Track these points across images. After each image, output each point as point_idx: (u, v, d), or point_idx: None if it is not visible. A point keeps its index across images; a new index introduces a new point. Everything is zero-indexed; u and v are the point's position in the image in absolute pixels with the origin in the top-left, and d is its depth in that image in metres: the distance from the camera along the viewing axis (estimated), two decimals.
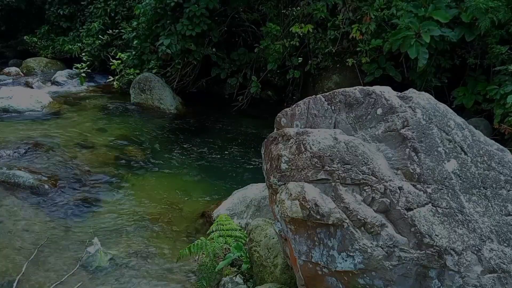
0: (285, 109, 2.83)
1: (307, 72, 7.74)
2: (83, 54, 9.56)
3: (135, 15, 8.85)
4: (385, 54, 6.53)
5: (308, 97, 2.78)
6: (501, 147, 2.63)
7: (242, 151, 6.30)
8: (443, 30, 5.70)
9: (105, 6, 10.08)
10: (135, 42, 8.62)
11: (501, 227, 2.30)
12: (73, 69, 9.25)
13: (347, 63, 6.94)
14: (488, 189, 2.40)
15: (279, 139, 2.60)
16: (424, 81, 6.29)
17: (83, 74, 9.01)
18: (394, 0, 6.19)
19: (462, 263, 2.14)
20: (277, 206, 2.46)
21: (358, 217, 2.23)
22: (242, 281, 3.29)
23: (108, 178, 5.19)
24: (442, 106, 2.60)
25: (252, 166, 5.77)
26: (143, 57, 8.58)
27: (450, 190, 2.30)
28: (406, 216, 2.20)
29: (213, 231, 3.54)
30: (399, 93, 2.61)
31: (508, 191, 2.44)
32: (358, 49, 6.68)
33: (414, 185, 2.29)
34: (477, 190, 2.37)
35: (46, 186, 4.78)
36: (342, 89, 2.69)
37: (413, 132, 2.37)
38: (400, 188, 2.27)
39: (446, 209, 2.24)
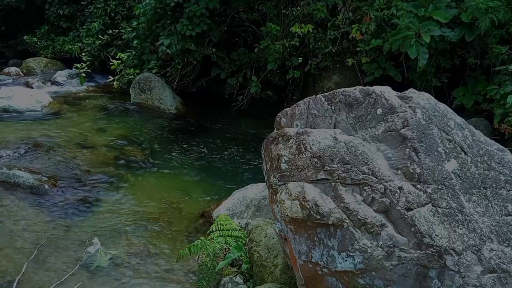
0: (285, 109, 2.83)
1: (307, 72, 7.74)
2: (83, 54, 9.57)
3: (135, 15, 8.85)
4: (385, 54, 6.53)
5: (308, 97, 2.78)
6: (501, 147, 2.63)
7: (242, 151, 6.30)
8: (443, 30, 5.70)
9: (105, 6, 10.08)
10: (135, 42, 8.62)
11: (501, 227, 2.30)
12: (73, 69, 9.25)
13: (347, 63, 6.94)
14: (488, 189, 2.40)
15: (279, 139, 2.61)
16: (424, 81, 6.29)
17: (83, 74, 9.02)
18: (394, 0, 6.19)
19: (462, 263, 2.14)
20: (277, 206, 2.46)
21: (358, 217, 2.23)
22: (242, 281, 3.29)
23: (108, 178, 5.19)
24: (442, 106, 2.60)
25: (252, 166, 5.77)
26: (143, 57, 8.59)
27: (450, 190, 2.30)
28: (406, 216, 2.21)
29: (213, 231, 3.54)
30: (399, 93, 2.61)
31: (508, 191, 2.44)
32: (358, 49, 6.68)
33: (414, 185, 2.29)
34: (477, 190, 2.37)
35: (46, 186, 4.78)
36: (342, 89, 2.69)
37: (413, 132, 2.37)
38: (400, 188, 2.27)
39: (446, 209, 2.24)
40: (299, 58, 7.54)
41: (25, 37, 11.54)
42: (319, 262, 2.34)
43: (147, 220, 4.37)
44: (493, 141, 2.65)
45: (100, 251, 3.65)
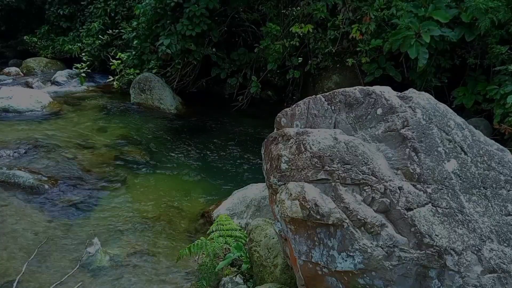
0: (285, 109, 2.83)
1: (307, 72, 7.74)
2: (83, 54, 9.57)
3: (135, 15, 8.86)
4: (385, 54, 6.53)
5: (308, 97, 2.78)
6: (501, 147, 2.63)
7: (242, 151, 6.30)
8: (443, 30, 5.70)
9: (105, 6, 10.09)
10: (135, 42, 8.62)
11: (501, 227, 2.30)
12: (73, 69, 9.26)
13: (347, 63, 6.94)
14: (488, 189, 2.40)
15: (279, 139, 2.61)
16: (424, 81, 6.29)
17: (83, 74, 9.02)
18: (394, 0, 6.19)
19: (462, 263, 2.14)
20: (277, 206, 2.46)
21: (358, 217, 2.23)
22: (242, 281, 3.29)
23: (108, 178, 5.19)
24: (442, 106, 2.60)
25: (252, 166, 5.77)
26: (143, 57, 8.59)
27: (450, 190, 2.30)
28: (406, 216, 2.21)
29: (213, 231, 3.54)
30: (399, 93, 2.61)
31: (508, 191, 2.44)
32: (358, 49, 6.68)
33: (414, 185, 2.29)
34: (477, 190, 2.37)
35: (46, 186, 4.78)
36: (342, 89, 2.69)
37: (413, 132, 2.37)
38: (400, 188, 2.27)
39: (446, 209, 2.24)
40: (299, 58, 7.54)
41: (25, 37, 11.55)
42: (319, 262, 2.34)
43: (147, 220, 4.37)
44: (493, 141, 2.65)
45: (100, 251, 3.65)
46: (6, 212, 4.25)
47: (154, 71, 8.34)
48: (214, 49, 8.28)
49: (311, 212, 2.27)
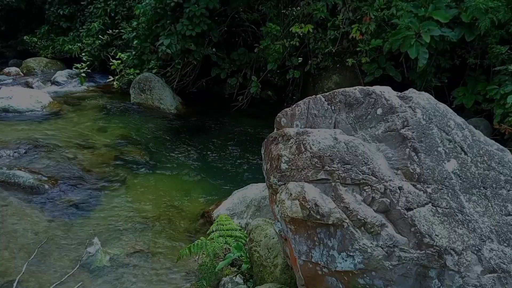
0: (285, 109, 2.83)
1: (307, 72, 7.74)
2: (83, 54, 9.57)
3: (135, 15, 8.86)
4: (385, 54, 6.53)
5: (308, 97, 2.78)
6: (501, 147, 2.63)
7: (242, 151, 6.30)
8: (443, 30, 5.70)
9: (105, 6, 10.09)
10: (135, 42, 8.62)
11: (501, 227, 2.30)
12: (73, 69, 9.26)
13: (347, 63, 6.94)
14: (488, 189, 2.40)
15: (279, 139, 2.61)
16: (424, 81, 6.29)
17: (83, 74, 9.02)
18: (394, 0, 6.19)
19: (462, 263, 2.14)
20: (277, 206, 2.46)
21: (358, 217, 2.23)
22: (242, 281, 3.29)
23: (108, 178, 5.19)
24: (442, 106, 2.60)
25: (252, 166, 5.77)
26: (143, 57, 8.59)
27: (450, 190, 2.30)
28: (406, 216, 2.21)
29: (213, 231, 3.54)
30: (399, 93, 2.61)
31: (508, 191, 2.44)
32: (358, 49, 6.68)
33: (414, 185, 2.29)
34: (477, 190, 2.37)
35: (46, 186, 4.78)
36: (342, 89, 2.69)
37: (413, 132, 2.37)
38: (400, 188, 2.27)
39: (446, 209, 2.24)
40: (299, 58, 7.54)
41: (25, 37, 11.54)
42: (319, 262, 2.34)
43: (147, 220, 4.37)
44: (493, 141, 2.65)
45: (100, 251, 3.65)
46: (6, 212, 4.25)
47: (154, 71, 8.34)
48: (214, 49, 8.28)
49: (311, 212, 2.27)
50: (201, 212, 4.56)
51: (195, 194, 5.01)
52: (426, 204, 2.24)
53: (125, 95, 8.37)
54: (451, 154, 2.41)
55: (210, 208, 4.53)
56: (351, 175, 2.32)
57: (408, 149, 2.35)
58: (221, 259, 3.41)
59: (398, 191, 2.26)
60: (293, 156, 2.45)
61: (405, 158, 2.35)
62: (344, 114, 2.61)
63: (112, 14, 10.04)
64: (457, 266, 2.13)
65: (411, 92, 2.60)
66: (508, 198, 2.41)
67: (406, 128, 2.39)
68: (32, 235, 3.94)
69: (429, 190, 2.27)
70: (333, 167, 2.34)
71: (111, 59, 9.07)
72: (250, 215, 4.15)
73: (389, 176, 2.31)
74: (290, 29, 7.20)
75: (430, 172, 2.31)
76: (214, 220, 3.78)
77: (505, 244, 2.25)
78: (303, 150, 2.42)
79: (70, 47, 10.42)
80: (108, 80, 8.88)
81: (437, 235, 2.15)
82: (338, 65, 7.43)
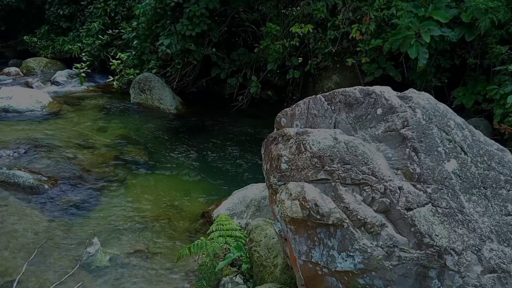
0: (285, 109, 2.83)
1: (307, 72, 7.74)
2: (83, 54, 9.58)
3: (135, 15, 8.86)
4: (385, 54, 6.53)
5: (308, 97, 2.78)
6: (501, 147, 2.63)
7: (242, 151, 6.30)
8: (443, 30, 5.70)
9: (105, 6, 10.09)
10: (135, 42, 8.62)
11: (501, 227, 2.30)
12: (73, 69, 9.26)
13: (347, 63, 6.94)
14: (488, 189, 2.40)
15: (279, 139, 2.61)
16: (424, 81, 6.29)
17: (83, 74, 9.03)
18: (394, 0, 6.19)
19: (462, 263, 2.14)
20: (277, 206, 2.46)
21: (358, 217, 2.23)
22: (242, 281, 3.29)
23: (108, 178, 5.19)
24: (442, 106, 2.60)
25: (252, 166, 5.77)
26: (143, 57, 8.59)
27: (450, 190, 2.30)
28: (406, 216, 2.21)
29: (213, 231, 3.54)
30: (399, 93, 2.61)
31: (508, 191, 2.44)
32: (358, 49, 6.68)
33: (414, 185, 2.29)
34: (477, 190, 2.37)
35: (46, 186, 4.78)
36: (342, 89, 2.69)
37: (413, 132, 2.37)
38: (400, 188, 2.27)
39: (446, 209, 2.24)
40: (299, 58, 7.54)
41: (25, 37, 11.55)
42: (319, 262, 2.34)
43: (147, 220, 4.37)
44: (493, 141, 2.65)
45: (100, 251, 3.65)
46: (6, 212, 4.25)
47: (154, 71, 8.34)
48: (214, 49, 8.28)
49: (311, 212, 2.27)
50: (201, 212, 4.56)
51: (195, 194, 5.01)
52: (426, 204, 2.24)
53: (125, 95, 8.37)
54: (451, 154, 2.41)
55: (210, 208, 4.53)
56: (351, 175, 2.32)
57: (408, 149, 2.35)
58: (221, 259, 3.41)
59: (398, 191, 2.26)
60: (293, 156, 2.45)
61: (405, 158, 2.35)
62: (344, 114, 2.61)
63: (112, 14, 10.04)
64: (457, 266, 2.13)
65: (411, 92, 2.60)
66: (508, 198, 2.41)
67: (406, 128, 2.39)
68: (32, 235, 3.94)
69: (429, 190, 2.27)
70: (333, 167, 2.34)
71: (111, 59, 9.07)
72: (250, 215, 4.15)
73: (389, 176, 2.31)
74: (290, 29, 7.20)
75: (430, 172, 2.31)
76: (214, 220, 3.78)
77: (505, 244, 2.25)
78: (303, 150, 2.42)
79: (70, 47, 10.42)
80: (108, 80, 8.88)
81: (437, 235, 2.15)
82: (338, 65, 7.43)
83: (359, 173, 2.32)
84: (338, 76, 7.52)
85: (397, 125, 2.42)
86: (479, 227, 2.25)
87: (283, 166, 2.48)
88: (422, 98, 2.55)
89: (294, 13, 7.34)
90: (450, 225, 2.21)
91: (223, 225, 3.57)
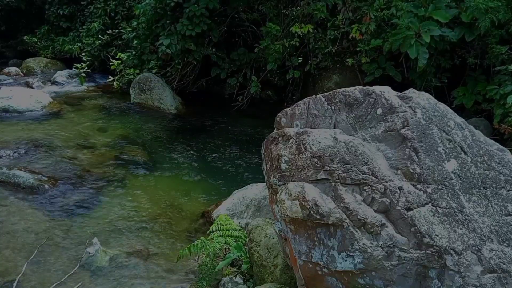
0: (285, 109, 2.83)
1: (307, 72, 7.74)
2: (83, 54, 9.57)
3: (135, 15, 8.86)
4: (385, 54, 6.53)
5: (308, 97, 2.78)
6: (501, 147, 2.63)
7: (242, 151, 6.30)
8: (443, 30, 5.70)
9: (105, 6, 10.08)
10: (135, 42, 8.62)
11: (501, 227, 2.30)
12: (73, 69, 9.25)
13: (347, 63, 6.94)
14: (488, 189, 2.40)
15: (279, 139, 2.61)
16: (424, 81, 6.29)
17: (83, 74, 9.02)
18: (394, 0, 6.19)
19: (462, 263, 2.14)
20: (277, 206, 2.46)
21: (358, 217, 2.23)
22: (242, 281, 3.29)
23: (108, 178, 5.19)
24: (442, 106, 2.60)
25: (252, 166, 5.77)
26: (143, 57, 8.59)
27: (450, 190, 2.30)
28: (406, 216, 2.21)
29: (213, 231, 3.54)
30: (399, 93, 2.61)
31: (508, 191, 2.44)
32: (358, 49, 6.68)
33: (414, 185, 2.29)
34: (477, 190, 2.37)
35: (46, 186, 4.78)
36: (342, 89, 2.69)
37: (413, 132, 2.37)
38: (400, 188, 2.27)
39: (446, 209, 2.24)
40: (299, 58, 7.54)
41: (25, 37, 11.54)
42: (319, 262, 2.34)
43: (147, 220, 4.37)
44: (493, 141, 2.65)
45: (100, 251, 3.65)
46: (6, 212, 4.25)
47: (154, 71, 8.34)
48: (214, 49, 8.28)
49: (311, 212, 2.27)
50: (201, 212, 4.56)
51: (195, 194, 5.01)
52: (426, 204, 2.24)
53: (125, 95, 8.37)
54: (451, 154, 2.41)
55: (210, 208, 4.53)
56: (351, 175, 2.32)
57: (408, 149, 2.35)
58: (221, 259, 3.41)
59: (398, 191, 2.26)
60: (293, 156, 2.45)
61: (405, 158, 2.35)
62: (344, 114, 2.61)
63: (112, 14, 10.04)
64: (457, 266, 2.13)
65: (411, 92, 2.60)
66: (508, 198, 2.41)
67: (406, 128, 2.39)
68: (32, 235, 3.94)
69: (429, 190, 2.27)
70: (333, 167, 2.34)
71: (111, 59, 9.07)
72: (250, 215, 4.15)
73: (389, 176, 2.31)
74: (290, 29, 7.20)
75: (430, 172, 2.31)
76: (214, 220, 3.78)
77: (505, 244, 2.25)
78: (303, 150, 2.42)
79: (70, 47, 10.42)
80: (108, 80, 8.88)
81: (437, 235, 2.15)
82: (338, 65, 7.43)
83: (359, 173, 2.32)
84: (338, 76, 7.52)
85: (397, 125, 2.42)
86: (479, 227, 2.25)
87: (283, 166, 2.48)
88: (422, 98, 2.55)
89: (294, 13, 7.34)
90: (450, 225, 2.21)
91: (223, 225, 3.57)
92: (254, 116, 7.83)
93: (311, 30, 7.11)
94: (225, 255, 3.45)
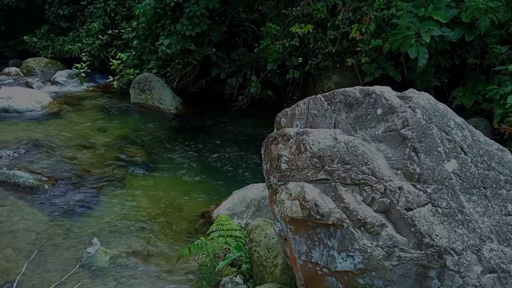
0: (285, 109, 2.83)
1: (307, 72, 7.74)
2: (83, 54, 9.57)
3: (135, 15, 8.86)
4: (385, 54, 6.53)
5: (308, 97, 2.78)
6: (501, 147, 2.63)
7: (242, 151, 6.30)
8: (443, 30, 5.70)
9: (105, 6, 10.08)
10: (135, 42, 8.62)
11: (501, 227, 2.30)
12: (73, 69, 9.25)
13: (347, 63, 6.94)
14: (488, 189, 2.40)
15: (279, 139, 2.61)
16: (424, 81, 6.29)
17: (83, 74, 9.02)
18: (394, 0, 6.19)
19: (462, 263, 2.14)
20: (277, 206, 2.46)
21: (358, 217, 2.23)
22: (242, 281, 3.29)
23: (108, 178, 5.19)
24: (442, 106, 2.60)
25: (252, 166, 5.77)
26: (143, 57, 8.59)
27: (450, 190, 2.30)
28: (406, 216, 2.21)
29: (213, 231, 3.54)
30: (399, 93, 2.61)
31: (508, 191, 2.44)
32: (358, 49, 6.68)
33: (414, 185, 2.29)
34: (477, 190, 2.37)
35: (46, 186, 4.78)
36: (342, 89, 2.69)
37: (413, 132, 2.37)
38: (400, 188, 2.27)
39: (446, 209, 2.24)
40: (299, 58, 7.54)
41: (25, 37, 11.54)
42: (319, 262, 2.34)
43: (147, 220, 4.37)
44: (493, 141, 2.65)
45: (100, 251, 3.65)
46: (6, 212, 4.25)
47: (154, 71, 8.34)
48: (214, 49, 8.28)
49: (311, 212, 2.27)
50: (201, 212, 4.56)
51: (195, 194, 5.01)
52: (426, 204, 2.24)
53: (125, 95, 8.37)
54: (451, 154, 2.41)
55: (210, 208, 4.53)
56: (351, 175, 2.32)
57: (408, 149, 2.35)
58: (221, 259, 3.41)
59: (398, 191, 2.26)
60: (293, 156, 2.45)
61: (405, 158, 2.35)
62: (344, 114, 2.61)
63: (112, 14, 10.04)
64: (457, 266, 2.13)
65: (411, 92, 2.60)
66: (508, 198, 2.41)
67: (406, 128, 2.39)
68: (32, 235, 3.94)
69: (429, 190, 2.27)
70: (333, 167, 2.34)
71: (111, 59, 9.07)
72: (250, 215, 4.15)
73: (389, 176, 2.31)
74: (290, 29, 7.20)
75: (430, 172, 2.31)
76: (214, 220, 3.78)
77: (505, 244, 2.25)
78: (303, 150, 2.42)
79: (70, 47, 10.42)
80: (108, 80, 8.88)
81: (437, 235, 2.15)
82: (338, 65, 7.43)
83: (359, 173, 2.32)
84: (338, 76, 7.52)
85: (397, 125, 2.42)
86: (479, 227, 2.25)
87: (283, 166, 2.48)
88: (422, 98, 2.55)
89: (294, 13, 7.34)
90: (450, 225, 2.21)
91: (223, 225, 3.57)
92: (254, 116, 7.83)
93: (311, 30, 7.11)
94: (225, 255, 3.45)
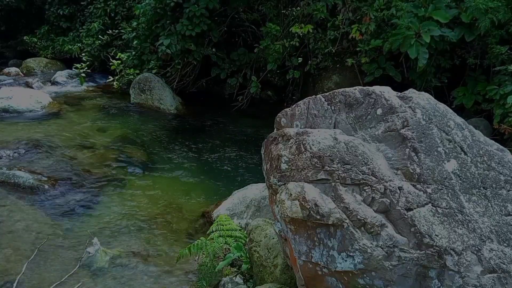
0: (285, 109, 2.83)
1: (307, 72, 7.74)
2: (83, 54, 9.58)
3: (135, 15, 8.86)
4: (385, 54, 6.53)
5: (308, 97, 2.78)
6: (501, 147, 2.63)
7: (242, 151, 6.30)
8: (443, 30, 5.70)
9: (105, 6, 10.09)
10: (135, 42, 8.63)
11: (501, 227, 2.30)
12: (73, 69, 9.26)
13: (347, 63, 6.94)
14: (488, 189, 2.40)
15: (279, 139, 2.61)
16: (424, 81, 6.29)
17: (83, 74, 9.02)
18: (394, 0, 6.19)
19: (462, 263, 2.14)
20: (277, 206, 2.46)
21: (358, 217, 2.23)
22: (242, 281, 3.29)
23: (108, 178, 5.19)
24: (442, 106, 2.60)
25: (252, 166, 5.77)
26: (143, 57, 8.59)
27: (450, 190, 2.30)
28: (406, 216, 2.21)
29: (213, 231, 3.54)
30: (399, 93, 2.61)
31: (508, 191, 2.44)
32: (358, 49, 6.68)
33: (414, 185, 2.29)
34: (477, 190, 2.37)
35: (46, 186, 4.78)
36: (342, 89, 2.69)
37: (413, 132, 2.37)
38: (400, 188, 2.27)
39: (446, 209, 2.24)
40: (299, 58, 7.54)
41: (25, 37, 11.54)
42: (319, 262, 2.34)
43: (147, 220, 4.37)
44: (493, 141, 2.65)
45: (100, 251, 3.65)
46: (6, 212, 4.25)
47: (154, 71, 8.34)
48: (214, 49, 8.28)
49: (311, 212, 2.27)
50: (201, 212, 4.56)
51: (195, 194, 5.01)
52: (426, 204, 2.24)
53: (125, 95, 8.38)
54: (451, 154, 2.41)
55: (210, 208, 4.53)
56: (351, 175, 2.32)
57: (408, 149, 2.35)
58: (221, 259, 3.41)
59: (398, 191, 2.26)
60: (293, 156, 2.45)
61: (405, 158, 2.35)
62: (344, 114, 2.61)
63: (112, 14, 10.04)
64: (457, 266, 2.13)
65: (411, 92, 2.60)
66: (508, 198, 2.41)
67: (406, 128, 2.39)
68: (32, 235, 3.94)
69: (429, 190, 2.27)
70: (333, 167, 2.34)
71: (111, 59, 9.07)
72: (250, 215, 4.15)
73: (389, 176, 2.31)
74: (290, 29, 7.20)
75: (430, 172, 2.31)
76: (214, 220, 3.78)
77: (505, 244, 2.25)
78: (303, 150, 2.42)
79: (70, 47, 10.42)
80: (108, 80, 8.88)
81: (437, 235, 2.16)
82: (338, 65, 7.43)
83: (359, 173, 2.32)
84: (338, 76, 7.52)
85: (397, 125, 2.42)
86: (479, 227, 2.25)
87: (283, 166, 2.48)
88: (422, 98, 2.55)
89: (294, 13, 7.34)
90: (450, 225, 2.21)
91: (223, 225, 3.57)
92: (254, 116, 7.83)
93: (311, 30, 7.12)
94: (225, 255, 3.45)
